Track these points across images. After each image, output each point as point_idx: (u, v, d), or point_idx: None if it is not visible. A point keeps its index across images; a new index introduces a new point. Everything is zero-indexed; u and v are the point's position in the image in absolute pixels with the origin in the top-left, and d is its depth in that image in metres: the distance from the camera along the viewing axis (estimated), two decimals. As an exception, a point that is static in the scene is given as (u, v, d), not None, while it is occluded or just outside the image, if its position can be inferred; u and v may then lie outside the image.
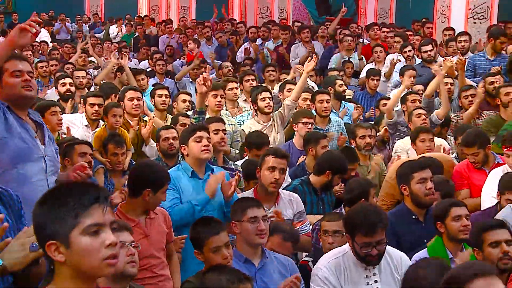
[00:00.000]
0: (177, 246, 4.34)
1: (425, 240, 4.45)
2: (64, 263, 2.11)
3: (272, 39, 12.33)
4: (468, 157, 5.73)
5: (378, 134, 7.23)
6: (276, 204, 4.87)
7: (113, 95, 7.32)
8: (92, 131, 6.48)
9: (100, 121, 6.60)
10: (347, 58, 10.49)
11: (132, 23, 18.41)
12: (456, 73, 8.15)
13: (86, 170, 3.73)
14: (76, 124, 6.57)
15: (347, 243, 3.92)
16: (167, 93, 7.52)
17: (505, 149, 5.36)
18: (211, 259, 3.80)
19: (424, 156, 5.58)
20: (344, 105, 8.11)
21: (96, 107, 6.55)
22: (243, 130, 6.79)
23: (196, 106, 5.70)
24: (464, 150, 5.79)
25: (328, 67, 10.35)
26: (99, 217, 2.10)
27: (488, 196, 5.19)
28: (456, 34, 9.91)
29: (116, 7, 22.93)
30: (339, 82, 8.05)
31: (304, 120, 6.50)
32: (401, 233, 4.50)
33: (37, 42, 13.64)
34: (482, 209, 5.13)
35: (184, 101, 7.71)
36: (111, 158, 5.76)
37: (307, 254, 4.76)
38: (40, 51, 13.94)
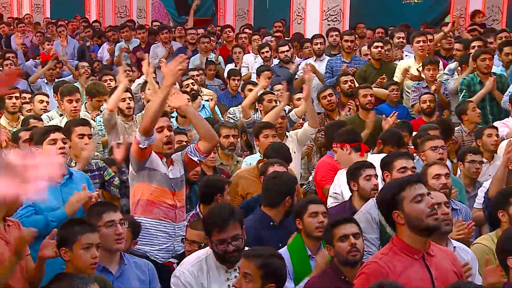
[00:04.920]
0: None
1: (280, 245, 4.48)
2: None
3: (123, 40, 12.17)
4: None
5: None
6: None
7: None
8: None
9: None
10: (205, 59, 10.54)
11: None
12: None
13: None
14: None
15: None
16: (17, 95, 7.26)
17: (334, 145, 5.56)
18: (80, 257, 3.68)
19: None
20: (204, 105, 8.17)
21: None
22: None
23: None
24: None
25: (188, 68, 10.34)
26: None
27: (332, 193, 5.38)
28: (311, 36, 10.25)
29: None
30: (188, 82, 8.12)
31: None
32: (264, 237, 4.54)
33: None
34: (328, 206, 5.27)
35: (41, 101, 7.52)
36: None
37: (174, 255, 4.71)
38: None
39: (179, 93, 4.75)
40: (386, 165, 4.92)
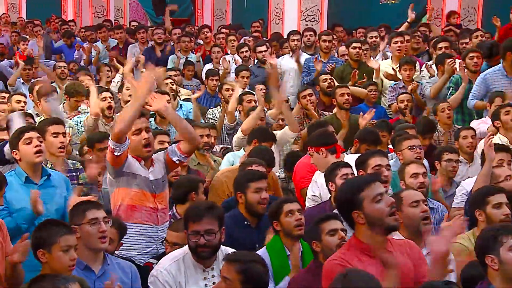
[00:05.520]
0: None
1: (257, 245, 4.56)
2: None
3: (100, 40, 12.10)
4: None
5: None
6: None
7: None
8: None
9: None
10: (184, 59, 10.51)
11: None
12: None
13: None
14: None
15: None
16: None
17: (309, 150, 5.57)
18: (58, 259, 3.65)
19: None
20: (181, 104, 8.16)
21: None
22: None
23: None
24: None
25: (167, 68, 10.30)
26: None
27: (310, 196, 5.39)
28: (288, 33, 10.26)
29: None
30: (167, 81, 8.14)
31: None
32: (235, 236, 4.55)
33: None
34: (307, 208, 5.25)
35: (19, 101, 7.40)
36: None
37: (154, 256, 4.69)
38: None
39: (158, 95, 4.70)
40: (360, 164, 4.95)
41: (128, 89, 7.71)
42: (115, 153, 4.45)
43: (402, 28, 9.74)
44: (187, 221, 3.92)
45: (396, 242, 3.46)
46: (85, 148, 6.14)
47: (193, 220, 3.87)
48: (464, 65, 7.83)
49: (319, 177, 5.32)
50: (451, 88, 7.74)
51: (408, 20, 10.07)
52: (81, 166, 5.40)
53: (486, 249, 3.40)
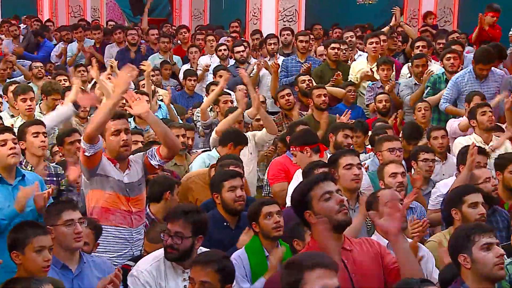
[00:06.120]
0: None
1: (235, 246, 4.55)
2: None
3: (76, 40, 12.01)
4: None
5: None
6: None
7: None
8: None
9: None
10: (163, 59, 10.47)
11: None
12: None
13: None
14: None
15: None
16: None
17: (292, 149, 5.59)
18: (32, 260, 3.64)
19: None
20: (160, 105, 8.13)
21: None
22: None
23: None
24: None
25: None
26: None
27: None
28: (265, 37, 10.28)
29: None
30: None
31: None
32: (215, 237, 4.56)
33: None
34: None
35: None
36: None
37: (131, 258, 4.65)
38: None
39: (140, 99, 4.59)
40: (332, 163, 4.96)
41: (99, 89, 7.67)
42: (86, 154, 4.41)
43: (386, 28, 9.80)
44: (166, 218, 4.00)
45: (355, 240, 3.46)
46: (55, 148, 6.10)
47: (168, 219, 3.93)
48: (442, 65, 7.90)
49: (300, 176, 5.33)
50: (429, 88, 7.80)
51: (391, 24, 10.11)
52: (63, 171, 5.37)
53: (459, 248, 3.41)
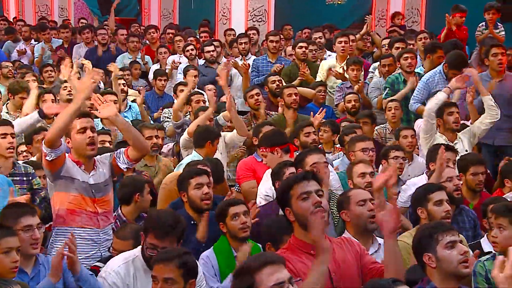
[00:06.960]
0: None
1: (203, 244, 4.55)
2: None
3: (44, 40, 11.89)
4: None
5: None
6: None
7: None
8: None
9: None
10: (132, 58, 10.42)
11: None
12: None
13: None
14: None
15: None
16: None
17: (262, 150, 5.60)
18: (0, 261, 3.58)
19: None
20: (130, 105, 8.08)
21: None
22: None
23: None
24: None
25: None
26: None
27: (263, 196, 5.37)
28: (236, 36, 10.27)
29: None
30: (120, 82, 8.03)
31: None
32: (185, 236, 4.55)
33: None
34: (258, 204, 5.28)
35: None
36: None
37: (100, 259, 4.62)
38: None
39: (108, 102, 4.56)
40: (299, 162, 4.99)
41: (65, 89, 7.61)
42: (47, 158, 4.36)
43: (357, 36, 9.86)
44: (149, 230, 3.84)
45: (334, 239, 3.48)
46: (22, 147, 6.04)
47: (155, 236, 3.79)
48: (399, 65, 7.98)
49: (270, 177, 5.32)
50: (387, 89, 7.88)
51: (361, 32, 10.16)
52: (33, 170, 5.30)
53: (423, 248, 3.41)
